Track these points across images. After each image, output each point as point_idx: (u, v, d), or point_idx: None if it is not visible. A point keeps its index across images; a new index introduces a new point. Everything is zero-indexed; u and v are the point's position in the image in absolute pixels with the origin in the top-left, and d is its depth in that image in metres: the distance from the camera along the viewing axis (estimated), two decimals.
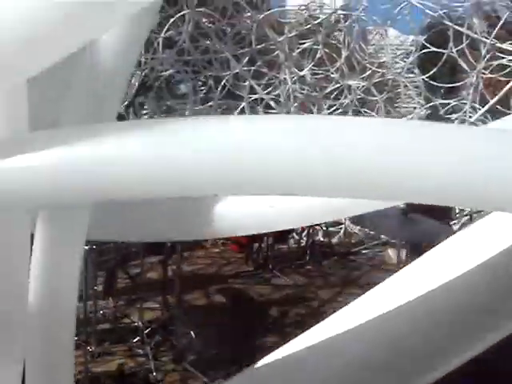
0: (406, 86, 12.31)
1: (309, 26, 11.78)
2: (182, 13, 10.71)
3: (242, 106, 11.72)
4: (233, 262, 8.59)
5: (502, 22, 11.46)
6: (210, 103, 11.79)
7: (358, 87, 12.38)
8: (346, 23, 12.91)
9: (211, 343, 5.71)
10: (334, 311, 1.26)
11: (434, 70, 12.86)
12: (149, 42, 9.94)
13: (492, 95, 11.35)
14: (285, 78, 12.01)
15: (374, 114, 12.67)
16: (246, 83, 11.95)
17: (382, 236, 9.29)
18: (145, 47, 9.52)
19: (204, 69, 11.81)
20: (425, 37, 12.16)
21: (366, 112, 12.93)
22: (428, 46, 12.31)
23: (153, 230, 1.63)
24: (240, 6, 11.21)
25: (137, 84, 10.55)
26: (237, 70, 11.33)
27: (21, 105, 0.91)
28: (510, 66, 11.30)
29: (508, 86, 11.06)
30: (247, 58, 11.84)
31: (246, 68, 11.89)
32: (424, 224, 4.74)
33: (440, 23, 12.08)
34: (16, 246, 1.12)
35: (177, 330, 5.86)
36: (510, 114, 11.46)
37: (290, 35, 11.73)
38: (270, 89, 12.11)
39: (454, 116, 11.42)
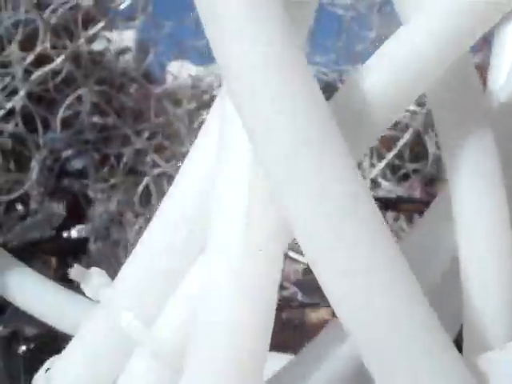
0: None
1: (207, 97, 11.90)
2: (78, 92, 10.60)
3: (145, 181, 11.62)
4: None
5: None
6: (112, 181, 11.63)
7: None
8: None
9: None
10: None
11: None
12: (45, 123, 9.70)
13: (388, 151, 11.75)
14: (187, 150, 12.04)
15: None
16: (148, 158, 11.88)
17: (301, 298, 9.35)
18: (43, 128, 9.27)
19: (105, 146, 11.66)
20: None
21: None
22: None
23: None
24: (137, 81, 11.20)
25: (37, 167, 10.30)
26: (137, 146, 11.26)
27: None
28: (401, 122, 11.76)
29: (403, 141, 11.48)
30: (147, 133, 11.81)
31: (146, 143, 11.85)
32: None
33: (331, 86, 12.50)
34: None
35: None
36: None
37: (190, 107, 11.81)
38: (173, 162, 12.12)
39: None
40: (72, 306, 0.80)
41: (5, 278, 0.75)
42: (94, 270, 0.53)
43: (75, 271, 0.53)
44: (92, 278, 0.54)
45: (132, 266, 0.51)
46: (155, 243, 0.52)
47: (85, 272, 0.54)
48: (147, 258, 0.52)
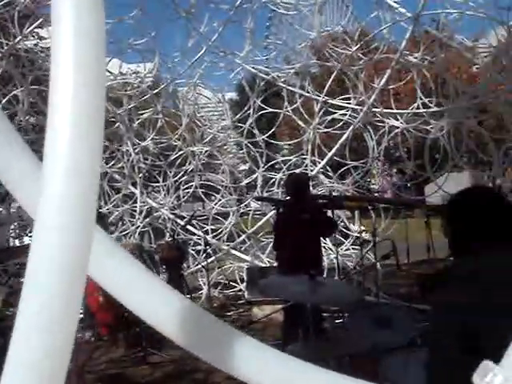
0: (247, 147, 12.63)
1: (147, 97, 11.87)
2: (15, 91, 10.43)
3: None
4: (101, 346, 8.18)
5: (331, 78, 12.17)
6: None
7: (201, 152, 12.55)
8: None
9: None
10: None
11: (273, 129, 13.32)
12: None
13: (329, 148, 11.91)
14: (127, 150, 11.95)
15: (219, 176, 12.87)
16: None
17: (247, 296, 9.40)
18: None
19: (43, 148, 11.41)
20: (261, 98, 12.57)
21: (209, 174, 13.15)
22: (265, 107, 12.76)
23: None
24: None
25: None
26: None
27: None
28: (342, 120, 11.95)
29: (343, 139, 11.68)
30: None
31: None
32: (331, 286, 4.73)
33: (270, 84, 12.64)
34: None
35: None
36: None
37: (130, 106, 11.74)
38: (113, 162, 12.00)
39: (297, 171, 11.79)
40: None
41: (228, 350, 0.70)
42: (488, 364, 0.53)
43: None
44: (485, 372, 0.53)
45: None
46: None
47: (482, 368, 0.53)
48: None
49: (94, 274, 0.69)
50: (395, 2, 10.97)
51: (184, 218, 11.60)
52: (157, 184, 12.84)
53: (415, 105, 11.61)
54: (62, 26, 0.54)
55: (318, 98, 12.04)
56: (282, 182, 11.47)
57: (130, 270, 0.71)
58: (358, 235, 10.16)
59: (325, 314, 7.26)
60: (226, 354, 0.68)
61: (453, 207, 2.40)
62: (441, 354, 2.04)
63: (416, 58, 11.47)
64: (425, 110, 11.36)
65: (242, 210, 12.43)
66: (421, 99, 11.41)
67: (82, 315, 8.63)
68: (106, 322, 7.90)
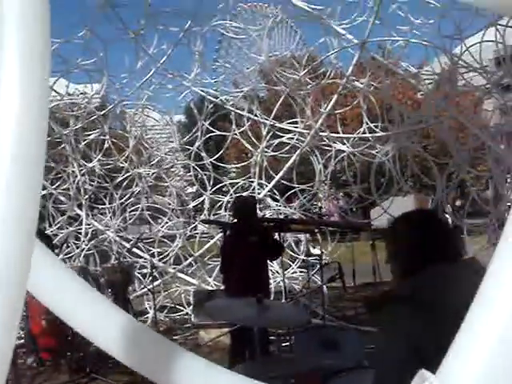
0: (195, 169, 12.61)
1: (94, 117, 11.77)
2: None
3: None
4: (43, 371, 7.94)
5: (279, 102, 12.28)
6: None
7: (148, 174, 12.48)
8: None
9: None
10: None
11: (221, 152, 13.35)
12: None
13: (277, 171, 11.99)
14: (73, 171, 11.79)
15: (166, 199, 12.80)
16: None
17: (194, 319, 9.31)
18: None
19: None
20: (208, 122, 12.58)
21: (156, 197, 13.06)
22: (213, 130, 12.79)
23: None
24: None
25: None
26: None
27: None
28: (289, 144, 12.06)
29: (290, 162, 11.77)
30: None
31: None
32: (279, 309, 4.71)
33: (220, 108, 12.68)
34: None
35: None
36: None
37: (76, 127, 11.61)
38: (58, 183, 11.82)
39: (244, 194, 11.81)
40: None
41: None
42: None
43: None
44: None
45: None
46: None
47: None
48: None
49: (37, 293, 0.68)
50: (342, 28, 11.15)
51: (130, 240, 11.47)
52: (103, 206, 12.68)
53: (361, 129, 11.78)
54: (7, 46, 0.53)
55: (266, 121, 12.12)
56: (229, 205, 11.47)
57: (75, 289, 0.70)
58: (318, 258, 10.21)
59: (271, 337, 7.24)
60: (173, 373, 0.67)
61: (395, 229, 2.45)
62: (387, 375, 2.06)
63: (362, 83, 11.66)
64: (371, 135, 11.54)
65: (188, 233, 12.36)
66: (367, 124, 11.58)
67: (23, 340, 8.43)
68: (48, 346, 7.73)
